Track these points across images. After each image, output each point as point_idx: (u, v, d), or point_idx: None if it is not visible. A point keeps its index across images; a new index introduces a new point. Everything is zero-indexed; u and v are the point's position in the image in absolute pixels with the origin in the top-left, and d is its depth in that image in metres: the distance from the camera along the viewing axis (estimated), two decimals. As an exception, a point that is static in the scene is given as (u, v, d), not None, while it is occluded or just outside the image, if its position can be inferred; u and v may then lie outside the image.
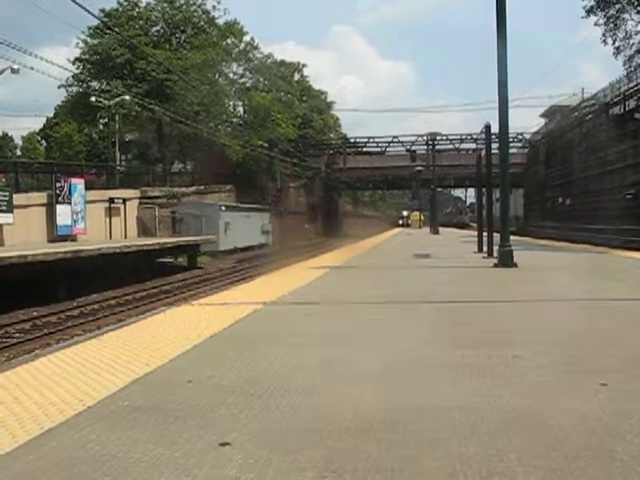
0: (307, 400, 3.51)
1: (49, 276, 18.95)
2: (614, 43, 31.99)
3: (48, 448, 2.81)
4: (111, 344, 5.27)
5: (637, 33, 31.39)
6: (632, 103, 31.06)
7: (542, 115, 66.12)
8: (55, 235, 28.31)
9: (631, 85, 30.64)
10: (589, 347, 4.93)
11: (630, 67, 31.75)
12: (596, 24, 32.27)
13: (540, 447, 2.74)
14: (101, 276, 21.08)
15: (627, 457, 2.62)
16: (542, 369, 4.18)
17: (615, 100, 32.83)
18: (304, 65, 77.68)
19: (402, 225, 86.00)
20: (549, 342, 5.08)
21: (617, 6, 31.29)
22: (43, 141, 62.50)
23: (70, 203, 29.64)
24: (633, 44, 31.65)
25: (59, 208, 28.75)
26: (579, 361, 4.42)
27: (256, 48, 58.92)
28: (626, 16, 31.40)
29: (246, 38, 56.33)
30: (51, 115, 60.31)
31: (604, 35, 32.12)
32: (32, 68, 32.86)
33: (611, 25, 31.75)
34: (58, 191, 28.93)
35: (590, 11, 31.88)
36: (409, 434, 2.93)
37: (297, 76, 75.97)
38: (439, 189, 67.95)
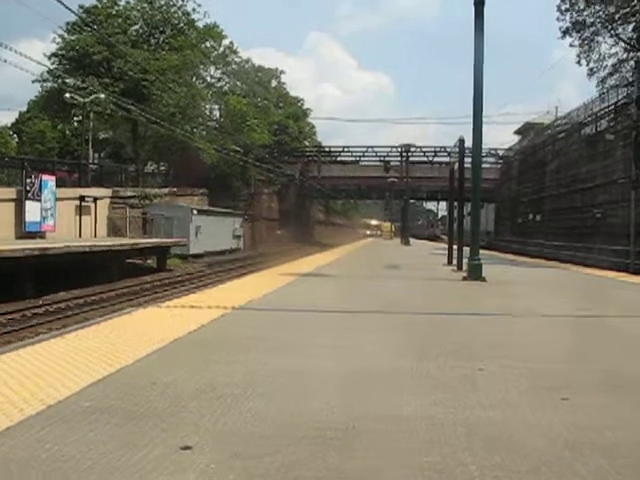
0: (270, 406, 3.50)
1: (15, 273, 18.67)
2: (588, 64, 32.57)
3: (5, 448, 2.76)
4: (76, 343, 5.21)
5: (610, 56, 31.97)
6: (604, 124, 31.51)
7: (516, 132, 66.73)
8: (23, 232, 27.92)
9: (603, 106, 31.08)
10: (553, 362, 4.97)
11: (603, 88, 32.25)
12: (571, 45, 32.82)
13: (500, 459, 2.76)
14: (69, 275, 20.81)
15: (585, 471, 2.65)
16: (506, 382, 4.21)
17: (587, 120, 33.28)
18: (282, 72, 77.85)
19: (371, 235, 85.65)
20: (514, 356, 5.12)
21: (592, 29, 31.82)
22: (15, 136, 61.56)
23: (40, 200, 29.26)
24: (606, 66, 32.23)
25: (28, 204, 28.36)
26: (542, 375, 4.46)
27: (235, 52, 58.99)
28: (600, 39, 31.98)
29: (225, 42, 56.35)
30: (24, 110, 59.48)
31: (579, 56, 32.68)
32: (6, 61, 32.39)
33: (586, 47, 32.30)
34: (28, 187, 28.54)
35: (566, 32, 32.40)
36: (371, 443, 2.94)
37: (274, 82, 76.04)
38: (411, 201, 68.28)
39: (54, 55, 46.62)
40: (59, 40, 46.55)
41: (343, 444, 2.91)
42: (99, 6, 47.67)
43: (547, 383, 4.24)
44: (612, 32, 31.38)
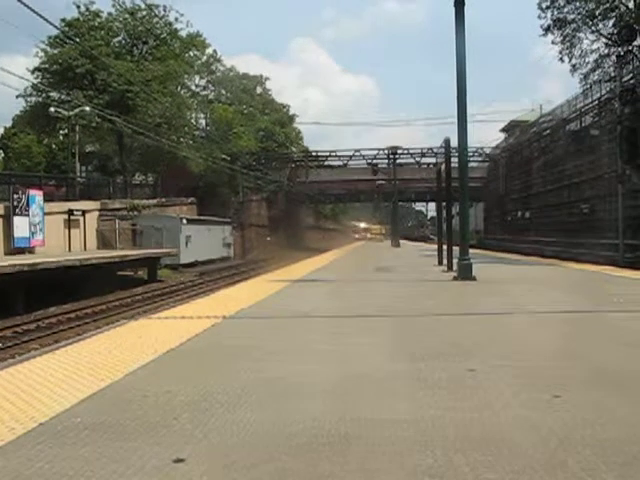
0: (264, 415, 3.50)
1: (6, 289, 18.58)
2: (570, 61, 32.78)
3: (-4, 467, 2.75)
4: (67, 358, 5.18)
5: (592, 52, 32.20)
6: (588, 119, 31.71)
7: (502, 130, 67.00)
8: (12, 247, 27.76)
9: (587, 102, 31.27)
10: (545, 359, 4.99)
11: (586, 84, 32.48)
12: (553, 42, 33.01)
13: (493, 459, 2.77)
14: (60, 289, 20.73)
15: (577, 468, 2.66)
16: (497, 382, 4.23)
17: (572, 116, 33.47)
18: (267, 78, 77.81)
19: (361, 238, 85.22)
20: (505, 355, 5.14)
21: (573, 26, 32.03)
22: (1, 152, 61.32)
23: (28, 215, 29.09)
24: (588, 62, 32.45)
25: (17, 220, 28.19)
26: (534, 373, 4.47)
27: (219, 60, 59.03)
28: (581, 35, 32.22)
29: (209, 50, 56.33)
30: (9, 125, 59.25)
31: (561, 53, 32.88)
32: (-11, 77, 32.27)
33: (567, 44, 32.50)
34: (16, 202, 28.36)
35: (547, 30, 32.59)
36: (365, 448, 2.94)
37: (259, 89, 76.00)
38: (400, 203, 68.39)
39: (37, 69, 46.39)
40: (42, 54, 46.36)
41: (336, 450, 2.91)
42: (81, 19, 47.48)
43: (539, 381, 4.25)
44: (593, 28, 31.61)
